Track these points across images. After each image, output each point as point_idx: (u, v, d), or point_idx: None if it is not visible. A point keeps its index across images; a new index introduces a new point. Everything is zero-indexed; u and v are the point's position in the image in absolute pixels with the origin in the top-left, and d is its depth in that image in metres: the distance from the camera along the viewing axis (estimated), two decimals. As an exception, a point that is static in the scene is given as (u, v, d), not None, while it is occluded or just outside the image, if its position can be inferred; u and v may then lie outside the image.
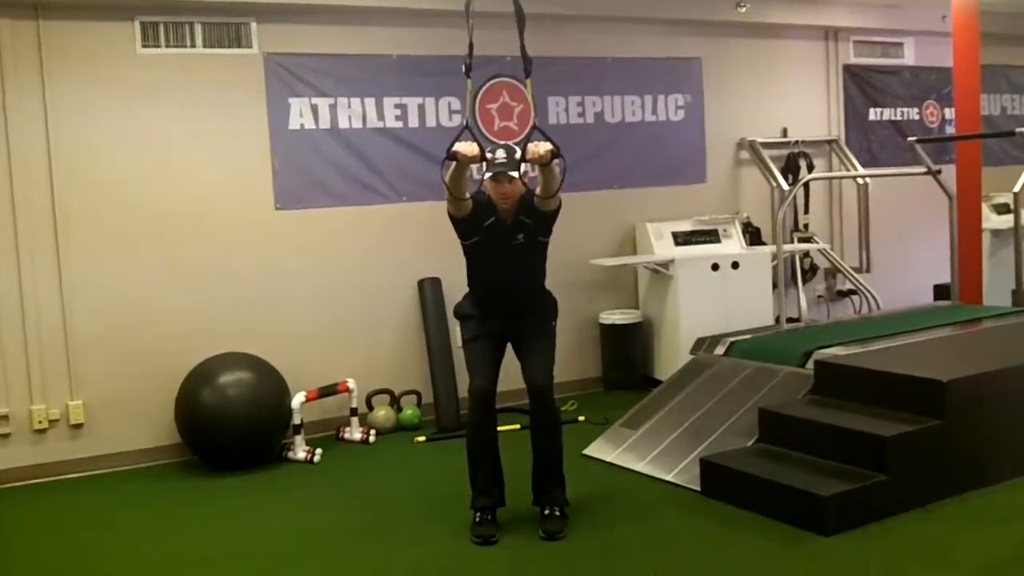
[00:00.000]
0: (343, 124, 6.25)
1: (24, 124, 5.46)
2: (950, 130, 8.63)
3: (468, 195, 4.25)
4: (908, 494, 4.36)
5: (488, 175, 4.21)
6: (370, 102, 6.32)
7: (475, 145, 4.11)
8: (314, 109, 6.16)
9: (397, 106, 6.40)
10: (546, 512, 4.37)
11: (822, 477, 4.37)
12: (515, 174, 4.18)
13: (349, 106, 6.26)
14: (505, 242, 4.30)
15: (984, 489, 4.57)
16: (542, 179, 4.19)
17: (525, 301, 4.42)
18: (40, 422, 5.55)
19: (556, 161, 4.14)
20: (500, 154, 4.20)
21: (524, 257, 4.36)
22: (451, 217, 4.33)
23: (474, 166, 4.34)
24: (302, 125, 6.14)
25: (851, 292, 8.20)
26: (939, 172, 6.95)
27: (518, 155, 4.19)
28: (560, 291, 4.56)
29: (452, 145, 4.10)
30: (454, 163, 4.12)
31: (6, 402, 5.50)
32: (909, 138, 7.16)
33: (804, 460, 4.59)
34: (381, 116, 6.36)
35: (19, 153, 5.46)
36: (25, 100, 5.46)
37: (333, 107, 6.22)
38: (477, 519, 4.34)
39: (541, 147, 4.09)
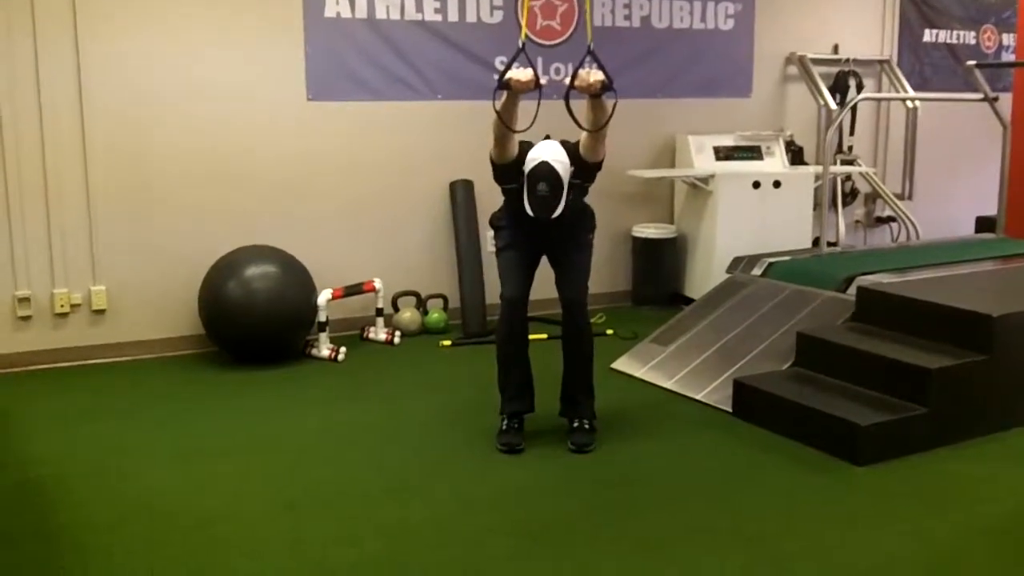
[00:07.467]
0: (380, 15, 6.00)
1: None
2: (1007, 56, 8.34)
3: (517, 129, 3.93)
4: (948, 429, 4.25)
5: (528, 208, 3.96)
6: (409, -8, 6.08)
7: (529, 71, 3.80)
8: (351, -3, 5.93)
9: (437, -2, 6.16)
10: (575, 425, 4.28)
11: (859, 406, 4.25)
12: (557, 212, 3.94)
13: (387, -5, 6.02)
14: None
15: (1026, 427, 4.47)
16: (590, 112, 3.88)
17: (563, 221, 4.21)
18: (62, 306, 5.48)
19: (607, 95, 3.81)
20: (542, 188, 3.90)
21: (565, 206, 4.12)
22: (491, 161, 4.09)
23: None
24: (338, 14, 5.89)
25: (890, 219, 8.01)
26: (996, 99, 6.70)
27: (564, 184, 3.92)
28: (594, 201, 4.36)
29: (505, 73, 3.81)
30: (507, 92, 3.84)
31: (28, 285, 5.42)
32: (968, 62, 6.88)
33: (841, 387, 4.47)
34: (420, 8, 6.10)
35: (44, 43, 5.26)
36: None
37: (371, -5, 5.98)
38: (504, 426, 4.26)
39: (592, 76, 3.80)
